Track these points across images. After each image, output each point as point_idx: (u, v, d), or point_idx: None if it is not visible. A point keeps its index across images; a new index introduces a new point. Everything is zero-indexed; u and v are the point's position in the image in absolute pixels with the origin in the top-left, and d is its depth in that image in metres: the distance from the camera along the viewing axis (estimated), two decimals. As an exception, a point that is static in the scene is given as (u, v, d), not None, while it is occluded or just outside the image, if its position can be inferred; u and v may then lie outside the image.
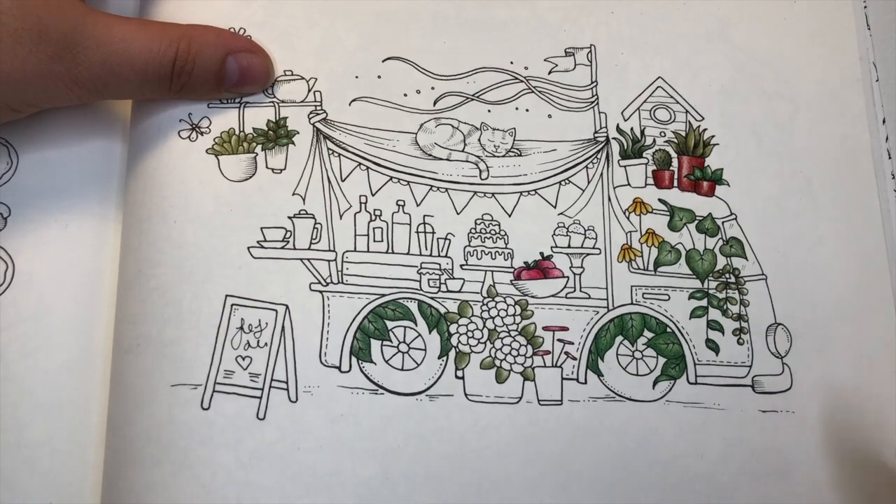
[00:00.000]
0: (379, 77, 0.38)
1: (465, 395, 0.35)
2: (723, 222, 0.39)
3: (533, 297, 0.37)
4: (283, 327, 0.35)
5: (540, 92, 0.40)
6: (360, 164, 0.37)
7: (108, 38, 0.33)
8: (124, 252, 0.36)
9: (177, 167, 0.36)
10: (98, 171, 0.37)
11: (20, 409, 0.34)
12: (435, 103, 0.39)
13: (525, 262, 0.37)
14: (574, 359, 0.36)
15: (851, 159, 0.41)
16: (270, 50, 0.38)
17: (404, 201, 0.37)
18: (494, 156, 0.38)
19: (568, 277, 0.37)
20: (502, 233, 0.37)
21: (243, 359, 0.34)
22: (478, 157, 0.38)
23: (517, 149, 0.39)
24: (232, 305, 0.35)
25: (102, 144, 0.38)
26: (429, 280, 0.37)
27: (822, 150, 0.41)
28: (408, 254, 0.37)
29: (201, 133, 0.37)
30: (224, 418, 0.33)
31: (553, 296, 0.37)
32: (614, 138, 0.40)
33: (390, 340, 0.36)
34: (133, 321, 0.34)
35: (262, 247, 0.36)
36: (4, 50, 0.31)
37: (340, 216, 0.37)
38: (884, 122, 0.41)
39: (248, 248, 0.36)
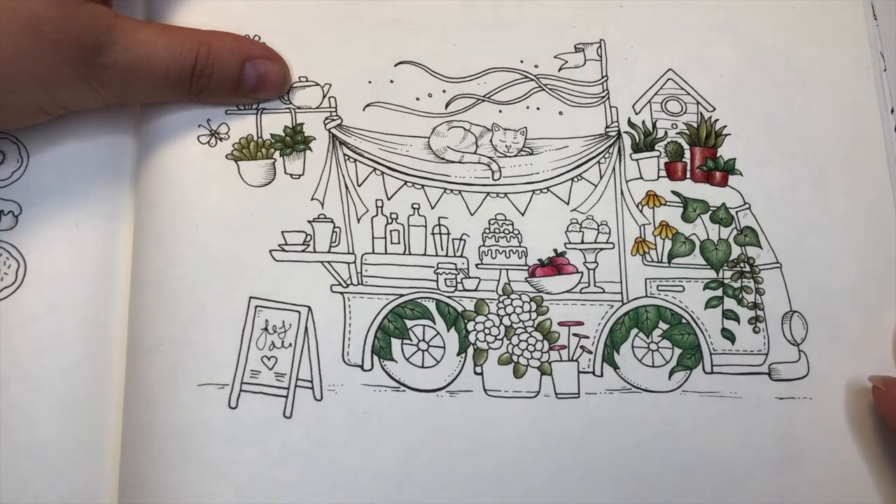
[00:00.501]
0: (391, 81, 0.39)
1: (485, 390, 0.36)
2: (736, 212, 0.40)
3: (548, 293, 0.38)
4: (306, 328, 0.36)
5: (550, 89, 0.40)
6: (375, 168, 0.38)
7: (134, 43, 0.34)
8: (138, 252, 0.37)
9: (197, 171, 0.37)
10: (108, 171, 0.38)
11: (33, 409, 0.34)
12: (447, 106, 0.39)
13: (539, 260, 0.38)
14: (590, 352, 0.37)
15: (863, 147, 0.41)
16: (285, 56, 0.38)
17: (419, 204, 0.38)
18: (506, 156, 0.39)
19: (582, 273, 0.38)
20: (516, 231, 0.38)
21: (268, 359, 0.35)
22: (490, 158, 0.39)
23: (529, 148, 0.39)
24: (256, 307, 0.36)
25: (112, 144, 0.38)
26: (445, 280, 0.37)
27: (834, 138, 0.41)
28: (424, 255, 0.38)
29: (220, 139, 0.38)
30: (252, 417, 0.35)
31: (568, 291, 0.38)
32: (626, 132, 0.40)
33: (410, 339, 0.37)
34: (153, 321, 0.35)
35: (284, 250, 0.37)
36: (44, 57, 0.33)
37: (358, 220, 0.38)
38: (892, 111, 0.41)
39: (270, 251, 0.37)
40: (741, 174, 0.40)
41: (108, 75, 0.34)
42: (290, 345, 0.36)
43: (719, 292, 0.39)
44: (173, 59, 0.35)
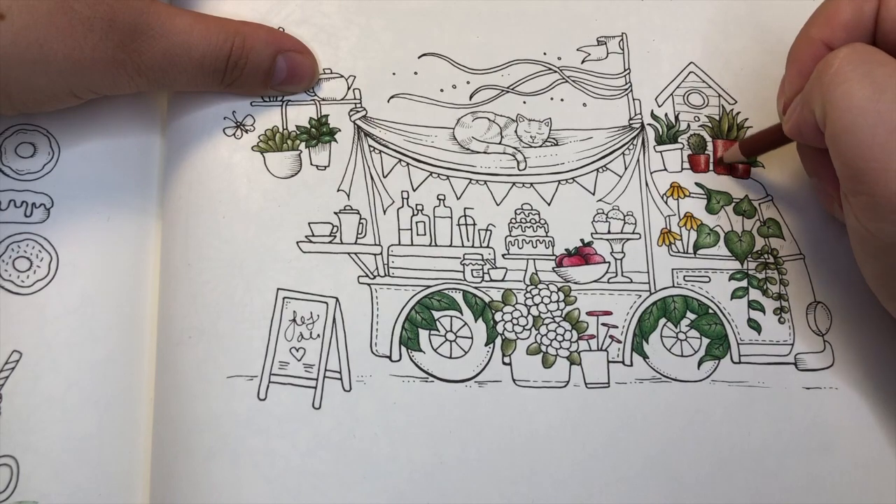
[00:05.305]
0: (415, 73, 0.39)
1: (513, 380, 0.36)
2: (759, 204, 0.40)
3: (575, 283, 0.38)
4: (334, 319, 0.36)
5: (574, 81, 0.40)
6: (400, 160, 0.38)
7: (170, 29, 0.34)
8: (167, 245, 0.37)
9: (224, 164, 0.37)
10: (137, 164, 0.38)
11: (67, 402, 0.34)
12: (471, 97, 0.39)
13: (566, 250, 0.38)
14: (619, 342, 0.37)
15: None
16: (309, 48, 0.38)
17: (445, 195, 0.38)
18: (531, 146, 0.39)
19: (609, 263, 0.38)
20: (542, 221, 0.38)
21: (297, 350, 0.35)
22: (515, 148, 0.39)
23: (553, 138, 0.39)
24: (284, 298, 0.36)
25: (140, 138, 0.38)
26: (472, 271, 0.37)
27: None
28: (450, 246, 0.38)
29: (246, 131, 0.38)
30: (281, 408, 0.34)
31: (595, 281, 0.38)
32: (649, 124, 0.40)
33: (438, 330, 0.37)
34: (183, 314, 0.35)
35: (311, 241, 0.37)
36: (76, 37, 0.32)
37: (384, 211, 0.38)
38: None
39: (297, 242, 0.37)
40: (763, 166, 0.40)
41: (143, 61, 0.34)
42: (318, 336, 0.36)
43: (744, 283, 0.39)
44: (209, 49, 0.35)
